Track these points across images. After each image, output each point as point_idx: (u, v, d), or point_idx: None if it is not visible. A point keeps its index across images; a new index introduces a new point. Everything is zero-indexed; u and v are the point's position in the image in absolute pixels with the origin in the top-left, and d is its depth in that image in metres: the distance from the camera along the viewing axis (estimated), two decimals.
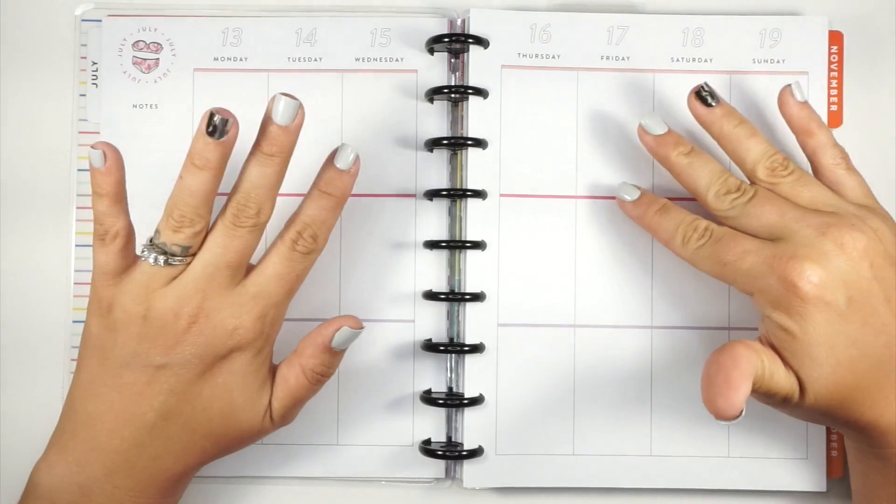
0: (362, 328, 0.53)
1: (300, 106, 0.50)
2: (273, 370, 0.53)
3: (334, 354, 0.52)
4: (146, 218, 0.58)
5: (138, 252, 0.51)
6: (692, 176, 0.54)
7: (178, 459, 0.51)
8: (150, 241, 0.50)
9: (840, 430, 0.53)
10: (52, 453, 0.51)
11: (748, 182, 0.53)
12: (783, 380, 0.49)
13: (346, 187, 0.52)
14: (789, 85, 0.55)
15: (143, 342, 0.49)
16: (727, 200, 0.52)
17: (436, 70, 0.59)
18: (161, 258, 0.50)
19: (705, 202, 0.53)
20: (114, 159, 0.50)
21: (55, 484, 0.50)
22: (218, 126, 0.49)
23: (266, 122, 0.50)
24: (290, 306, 0.53)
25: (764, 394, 0.49)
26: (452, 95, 0.58)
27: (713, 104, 0.54)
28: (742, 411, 0.46)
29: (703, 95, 0.54)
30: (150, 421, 0.49)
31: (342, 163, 0.52)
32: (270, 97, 0.50)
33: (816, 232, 0.49)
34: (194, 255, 0.50)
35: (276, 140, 0.49)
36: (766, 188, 0.52)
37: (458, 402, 0.57)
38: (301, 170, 0.58)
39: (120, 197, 0.51)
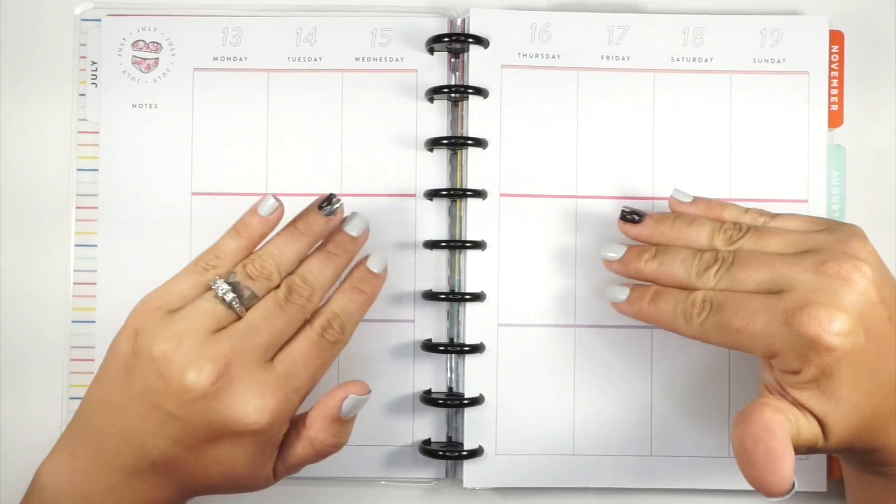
0: (369, 392, 0.52)
1: (367, 223, 0.55)
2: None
3: (344, 423, 0.52)
4: (145, 218, 0.58)
5: (212, 282, 0.51)
6: (668, 272, 0.52)
7: (176, 490, 0.51)
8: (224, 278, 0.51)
9: (851, 457, 0.52)
10: (61, 457, 0.50)
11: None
12: (807, 429, 0.47)
13: (376, 288, 0.55)
14: (672, 196, 0.56)
15: (158, 382, 0.48)
16: (710, 275, 0.50)
17: (436, 70, 0.59)
18: (230, 294, 0.50)
19: (694, 288, 0.51)
20: (277, 216, 0.53)
21: (61, 489, 0.49)
22: (332, 206, 0.54)
23: (338, 229, 0.54)
24: None
25: (798, 449, 0.47)
26: (452, 95, 0.58)
27: (639, 220, 0.55)
28: (794, 482, 0.44)
29: (627, 217, 0.55)
30: (153, 456, 0.49)
31: (375, 266, 0.55)
32: (349, 215, 0.55)
33: (815, 272, 0.48)
34: (247, 310, 0.50)
35: (343, 245, 0.54)
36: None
37: (458, 402, 0.57)
38: (300, 170, 0.59)
39: (252, 249, 0.53)
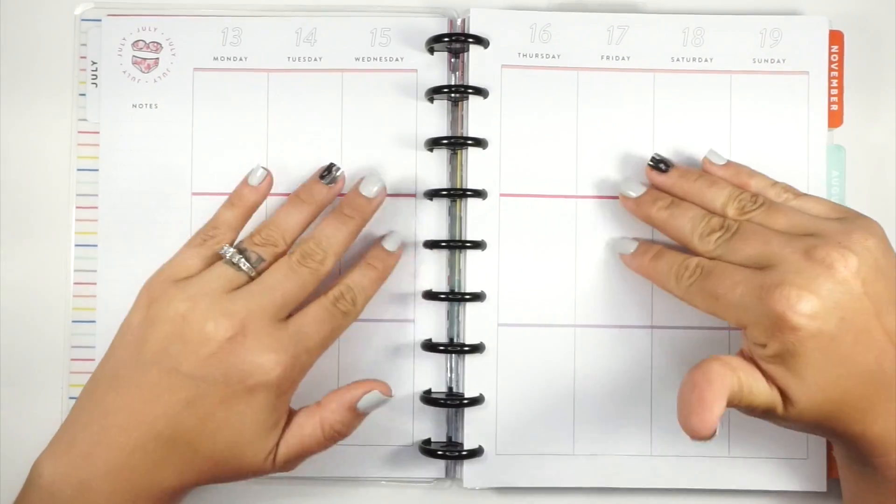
0: (392, 396, 0.53)
1: (384, 185, 0.56)
2: (289, 415, 0.53)
3: (356, 416, 0.53)
4: (145, 218, 0.58)
5: (217, 250, 0.53)
6: (675, 226, 0.54)
7: (176, 473, 0.50)
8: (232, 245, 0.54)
9: (828, 439, 0.53)
10: (60, 444, 0.51)
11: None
12: (763, 393, 0.49)
13: (389, 265, 0.57)
14: (706, 155, 0.57)
15: (177, 343, 0.50)
16: (712, 240, 0.52)
17: (436, 70, 0.59)
18: (237, 256, 0.52)
19: (694, 248, 0.53)
20: (267, 184, 0.56)
21: (58, 477, 0.49)
22: (333, 175, 0.56)
23: (352, 191, 0.56)
24: None
25: (744, 408, 0.50)
26: (452, 95, 0.58)
27: (666, 169, 0.56)
28: (716, 431, 0.46)
29: (657, 164, 0.56)
30: (159, 428, 0.49)
31: (390, 245, 0.57)
32: (366, 175, 0.56)
33: (803, 256, 0.49)
34: (259, 274, 0.52)
35: (357, 206, 0.55)
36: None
37: (458, 402, 0.57)
38: (300, 169, 0.59)
39: (247, 217, 0.56)
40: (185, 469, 0.51)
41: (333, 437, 0.53)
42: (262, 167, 0.56)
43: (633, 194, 0.56)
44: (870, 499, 0.52)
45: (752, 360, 0.50)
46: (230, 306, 0.50)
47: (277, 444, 0.52)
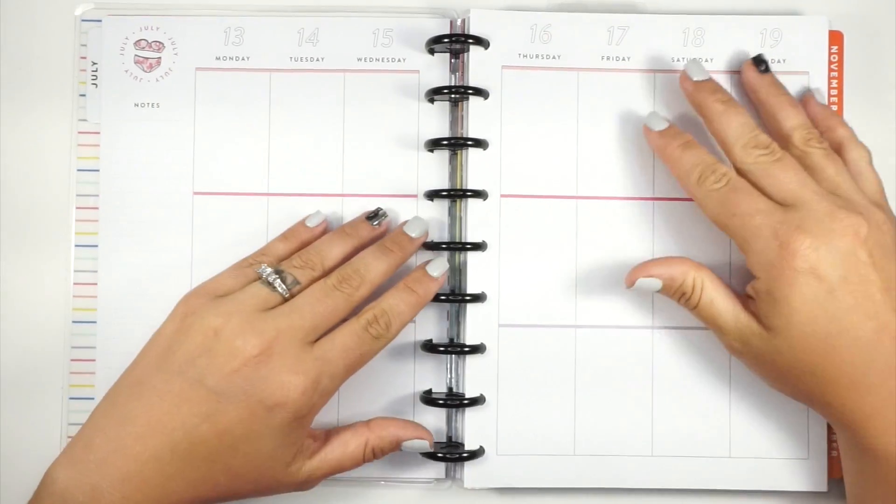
0: (431, 449, 0.56)
1: (427, 230, 0.57)
2: (316, 436, 0.54)
3: (395, 450, 0.55)
4: (146, 217, 0.58)
5: (254, 265, 0.55)
6: (724, 124, 0.54)
7: (190, 486, 0.50)
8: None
9: (820, 413, 0.54)
10: (76, 448, 0.50)
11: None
12: (727, 313, 0.53)
13: (431, 291, 0.56)
14: (810, 90, 0.58)
15: (204, 356, 0.50)
16: (753, 154, 0.53)
17: (437, 70, 0.59)
18: (273, 276, 0.52)
19: (731, 152, 0.54)
20: (322, 228, 0.57)
21: (71, 482, 0.49)
22: (380, 217, 0.57)
23: (397, 229, 0.57)
24: None
25: (702, 317, 0.54)
26: (452, 96, 0.58)
27: (766, 71, 0.57)
28: (633, 285, 0.54)
29: (760, 62, 0.57)
30: (177, 439, 0.49)
31: (435, 271, 0.56)
32: (412, 218, 0.58)
33: (827, 211, 0.51)
34: (293, 296, 0.52)
35: (399, 242, 0.56)
36: (796, 156, 0.54)
37: (458, 402, 0.57)
38: (301, 170, 0.59)
39: (293, 251, 0.56)
40: (199, 484, 0.50)
41: (370, 460, 0.55)
42: (321, 212, 0.58)
43: (700, 77, 0.56)
44: (874, 492, 0.52)
45: (735, 293, 0.53)
46: (261, 325, 0.50)
47: (303, 461, 0.53)
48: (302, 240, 0.56)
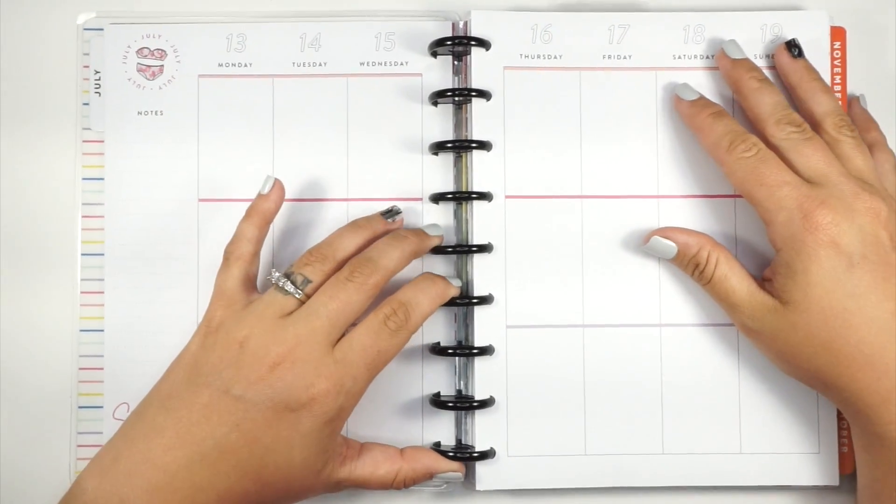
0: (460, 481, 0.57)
1: (443, 232, 0.58)
2: (350, 444, 0.54)
3: (427, 479, 0.56)
4: (152, 225, 0.58)
5: (268, 275, 0.54)
6: (759, 100, 0.55)
7: (220, 497, 0.50)
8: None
9: (834, 399, 0.54)
10: (105, 459, 0.50)
11: None
12: (741, 291, 0.54)
13: (451, 289, 0.56)
14: (856, 95, 0.60)
15: (231, 367, 0.50)
16: (786, 130, 0.54)
17: (440, 73, 0.59)
18: (282, 280, 0.52)
19: (764, 126, 0.55)
20: (277, 190, 0.55)
21: (100, 493, 0.49)
22: (393, 214, 0.57)
23: (414, 228, 0.57)
24: None
25: (715, 292, 0.55)
26: (455, 98, 0.58)
27: (799, 55, 0.57)
28: (648, 242, 0.56)
29: (793, 46, 0.57)
30: (206, 449, 0.49)
31: (455, 280, 0.57)
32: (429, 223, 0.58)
33: (851, 191, 0.52)
34: (309, 296, 0.52)
35: (417, 233, 0.56)
36: (827, 141, 0.54)
37: (467, 404, 0.57)
38: (306, 174, 0.59)
39: (264, 226, 0.55)
40: (228, 492, 0.50)
41: (399, 488, 0.55)
42: (270, 175, 0.56)
43: (737, 55, 0.57)
44: (887, 484, 0.51)
45: (751, 276, 0.54)
46: (281, 333, 0.50)
47: (333, 469, 0.53)
48: (261, 210, 0.55)
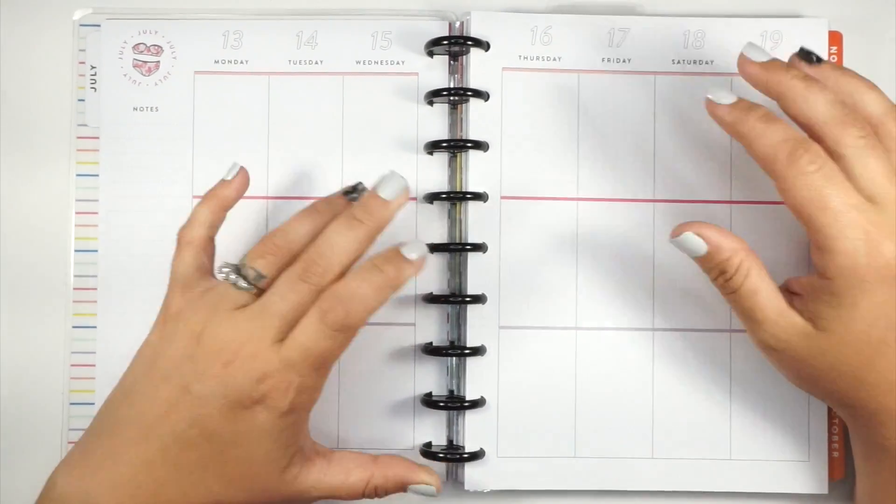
0: (436, 495, 0.53)
1: (406, 186, 0.50)
2: (319, 450, 0.53)
3: (400, 491, 0.53)
4: (146, 221, 0.58)
5: (217, 269, 0.52)
6: (810, 101, 0.49)
7: (183, 493, 0.49)
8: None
9: (850, 415, 0.52)
10: (75, 454, 0.50)
11: None
12: (770, 306, 0.49)
13: (404, 275, 0.49)
14: None
15: (188, 362, 0.49)
16: (852, 136, 0.48)
17: (436, 73, 0.59)
18: (233, 276, 0.50)
19: (824, 132, 0.48)
20: (241, 180, 0.54)
21: (69, 488, 0.49)
22: (359, 193, 0.52)
23: (368, 192, 0.50)
24: None
25: (739, 303, 0.50)
26: (452, 98, 0.58)
27: (818, 62, 0.51)
28: (678, 236, 0.50)
29: (807, 54, 0.51)
30: (168, 444, 0.49)
31: (411, 253, 0.49)
32: (385, 174, 0.50)
33: None
34: (262, 291, 0.50)
35: (371, 209, 0.49)
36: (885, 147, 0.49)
37: (459, 404, 0.57)
38: (300, 172, 0.59)
39: (220, 211, 0.53)
40: (192, 488, 0.49)
41: (370, 497, 0.53)
42: (236, 163, 0.54)
43: (763, 58, 0.50)
44: (888, 493, 0.51)
45: (780, 292, 0.50)
46: (232, 329, 0.48)
47: (301, 473, 0.51)
48: (220, 196, 0.53)
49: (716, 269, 0.51)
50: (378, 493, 0.52)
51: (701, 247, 0.50)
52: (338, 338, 0.48)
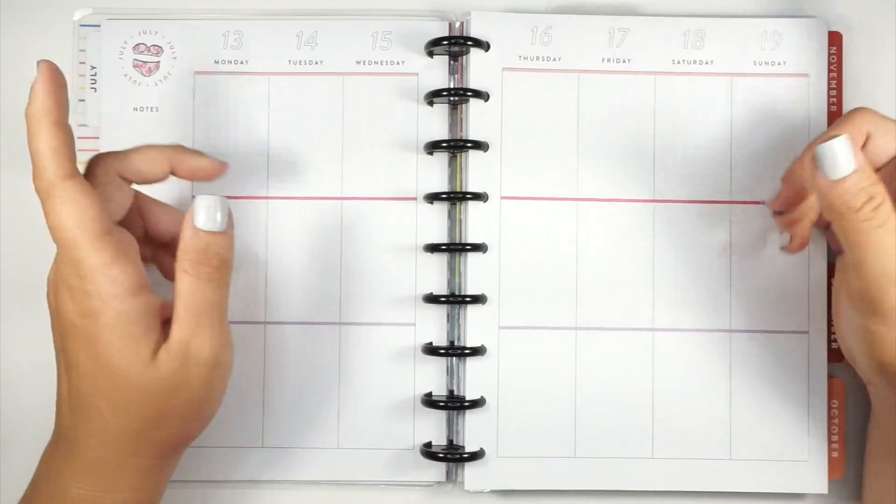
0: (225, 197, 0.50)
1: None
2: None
3: (204, 236, 0.49)
4: None
5: None
6: (874, 246, 0.47)
7: (76, 416, 0.49)
8: None
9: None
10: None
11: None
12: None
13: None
14: None
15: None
16: None
17: (436, 73, 0.59)
18: None
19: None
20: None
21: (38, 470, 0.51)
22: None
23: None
24: (286, 309, 0.56)
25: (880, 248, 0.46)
26: (452, 98, 0.58)
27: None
28: (819, 143, 0.46)
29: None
30: (62, 363, 0.50)
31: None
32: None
33: None
34: None
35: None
36: None
37: (459, 404, 0.57)
38: (300, 173, 0.59)
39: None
40: (85, 411, 0.49)
41: (199, 271, 0.49)
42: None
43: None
44: None
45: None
46: None
47: (161, 337, 0.49)
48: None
49: (861, 195, 0.46)
50: (195, 259, 0.49)
51: (848, 162, 0.46)
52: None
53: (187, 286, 0.49)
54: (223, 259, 0.49)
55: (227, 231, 0.50)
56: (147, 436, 0.49)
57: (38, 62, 0.48)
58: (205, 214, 0.49)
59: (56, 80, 0.48)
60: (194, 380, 0.49)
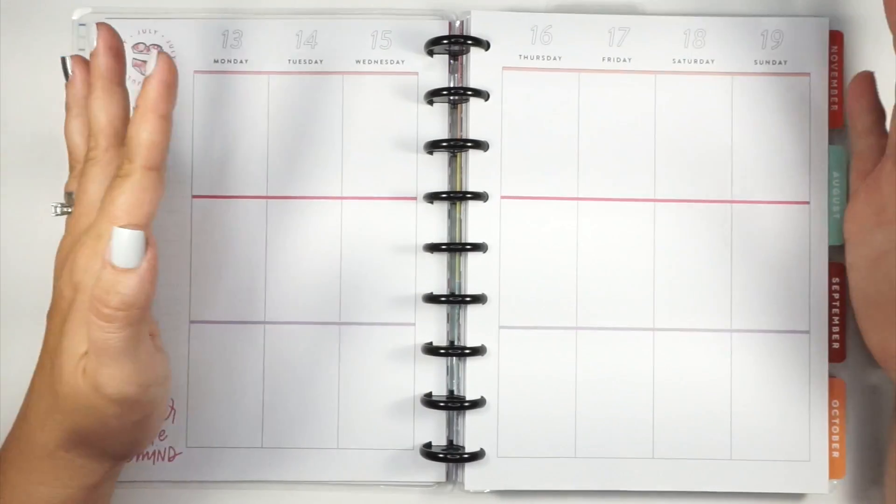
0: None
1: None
2: None
3: (111, 272, 0.46)
4: None
5: None
6: None
7: (41, 421, 0.49)
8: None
9: None
10: None
11: None
12: None
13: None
14: None
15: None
16: None
17: (436, 72, 0.59)
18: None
19: None
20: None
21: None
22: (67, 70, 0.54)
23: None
24: (286, 309, 0.55)
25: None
26: (452, 97, 0.58)
27: None
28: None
29: None
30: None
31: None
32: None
33: None
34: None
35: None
36: None
37: (459, 404, 0.57)
38: (300, 172, 0.58)
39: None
40: (48, 412, 0.49)
41: (102, 314, 0.46)
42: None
43: None
44: None
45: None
46: None
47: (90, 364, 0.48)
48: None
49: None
50: (100, 298, 0.46)
51: None
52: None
53: (89, 322, 0.46)
54: (125, 300, 0.45)
55: (140, 269, 0.45)
56: (77, 434, 0.49)
57: (158, 54, 0.48)
58: (116, 248, 0.45)
59: (172, 72, 0.48)
60: (107, 408, 0.48)
